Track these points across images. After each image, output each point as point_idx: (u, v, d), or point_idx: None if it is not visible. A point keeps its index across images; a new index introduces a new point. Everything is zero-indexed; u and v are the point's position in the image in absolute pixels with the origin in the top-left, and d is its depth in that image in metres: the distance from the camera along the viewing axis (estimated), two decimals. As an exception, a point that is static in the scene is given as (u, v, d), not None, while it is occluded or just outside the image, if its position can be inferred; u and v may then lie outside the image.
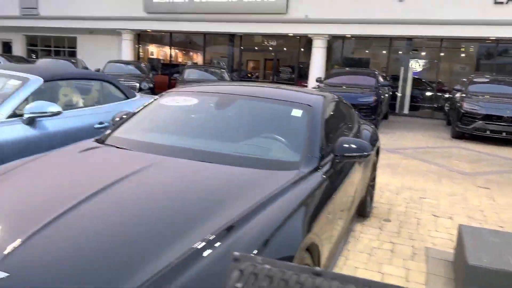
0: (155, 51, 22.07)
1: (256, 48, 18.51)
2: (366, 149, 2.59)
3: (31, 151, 3.48)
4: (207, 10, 15.65)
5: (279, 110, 2.87)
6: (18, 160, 2.39)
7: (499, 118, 9.11)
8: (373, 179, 4.40)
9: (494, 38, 13.41)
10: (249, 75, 19.43)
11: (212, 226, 1.64)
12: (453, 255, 3.39)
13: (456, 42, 15.35)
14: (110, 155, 2.42)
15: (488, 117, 9.20)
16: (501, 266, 2.62)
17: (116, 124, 2.98)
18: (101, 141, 2.74)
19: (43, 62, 15.36)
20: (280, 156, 2.48)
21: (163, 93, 3.24)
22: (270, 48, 17.92)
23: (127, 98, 4.90)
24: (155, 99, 3.22)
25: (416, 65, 16.00)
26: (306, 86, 14.06)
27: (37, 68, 4.14)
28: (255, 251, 1.56)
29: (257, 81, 18.47)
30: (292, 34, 15.85)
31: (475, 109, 9.37)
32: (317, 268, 1.00)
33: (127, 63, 15.43)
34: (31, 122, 3.51)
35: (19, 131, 3.40)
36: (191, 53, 22.10)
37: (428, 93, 16.06)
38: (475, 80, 10.84)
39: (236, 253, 1.04)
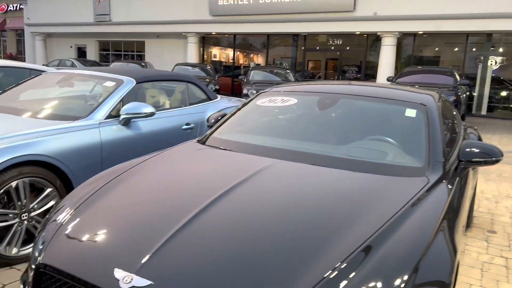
0: (218, 53, 22.44)
1: (320, 47, 18.14)
2: (496, 153, 2.30)
3: (126, 151, 3.54)
4: (271, 11, 15.58)
5: (389, 110, 2.65)
6: (126, 162, 2.37)
7: None
8: (474, 186, 4.02)
9: None
10: (311, 75, 19.11)
11: (350, 243, 1.47)
12: None
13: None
14: (221, 157, 2.33)
15: None
16: None
17: (215, 126, 2.92)
18: (203, 142, 2.68)
19: (116, 66, 16.14)
20: (400, 161, 2.26)
21: (258, 94, 3.14)
22: (335, 48, 17.49)
23: (210, 99, 4.89)
24: (250, 100, 3.13)
25: (494, 63, 14.84)
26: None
27: (129, 70, 4.22)
28: (405, 277, 1.35)
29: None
30: (359, 32, 15.34)
31: None
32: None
33: (193, 65, 15.77)
34: (126, 122, 3.56)
35: (116, 131, 3.46)
36: (251, 55, 22.22)
37: (508, 93, 14.84)
38: None
39: None
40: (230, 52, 21.67)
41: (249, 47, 21.41)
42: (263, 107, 2.98)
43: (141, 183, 1.96)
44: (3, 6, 29.69)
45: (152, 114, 3.58)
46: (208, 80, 13.57)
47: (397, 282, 1.32)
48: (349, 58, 17.60)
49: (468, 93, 12.62)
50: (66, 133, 3.10)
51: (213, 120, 3.17)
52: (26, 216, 2.81)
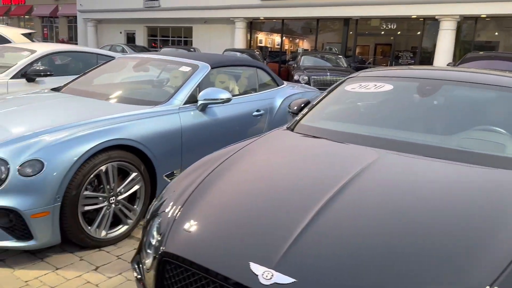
0: (263, 38, 22.24)
1: (372, 32, 17.51)
2: None
3: (203, 137, 3.51)
4: (322, -5, 15.18)
5: (500, 98, 2.43)
6: (219, 152, 2.29)
7: None
8: None
9: None
10: (359, 61, 18.54)
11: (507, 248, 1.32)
12: None
13: None
14: (323, 147, 2.22)
15: None
16: None
17: (301, 112, 2.81)
18: (292, 129, 2.58)
19: (165, 51, 16.35)
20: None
21: (347, 78, 2.99)
22: (388, 32, 16.82)
23: (277, 85, 4.78)
24: (337, 85, 2.98)
25: None
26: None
27: (203, 55, 4.18)
28: None
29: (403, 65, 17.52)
30: (415, 16, 14.65)
31: None
32: None
33: (242, 51, 15.68)
34: (203, 108, 3.52)
35: (193, 117, 3.43)
36: (297, 40, 21.86)
37: None
38: None
39: None
40: (276, 37, 21.42)
41: (296, 32, 21.06)
42: (353, 93, 2.83)
43: (248, 173, 1.89)
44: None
45: (228, 100, 3.52)
46: (257, 65, 13.44)
47: None
48: (404, 43, 16.89)
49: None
50: (149, 118, 3.10)
51: (295, 107, 3.06)
52: (113, 199, 2.84)
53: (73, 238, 2.65)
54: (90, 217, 2.78)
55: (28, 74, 4.89)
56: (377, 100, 2.73)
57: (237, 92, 4.30)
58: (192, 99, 3.51)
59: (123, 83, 4.16)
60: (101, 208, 2.78)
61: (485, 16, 13.67)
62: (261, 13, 17.60)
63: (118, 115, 2.98)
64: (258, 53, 15.43)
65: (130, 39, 24.71)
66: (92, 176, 2.65)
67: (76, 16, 26.41)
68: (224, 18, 18.74)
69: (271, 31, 21.05)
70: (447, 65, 10.96)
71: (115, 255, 2.73)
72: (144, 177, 3.03)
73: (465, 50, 14.43)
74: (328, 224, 1.42)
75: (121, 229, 2.94)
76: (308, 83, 11.07)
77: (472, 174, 1.84)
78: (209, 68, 3.80)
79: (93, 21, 24.64)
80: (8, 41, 8.27)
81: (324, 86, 10.77)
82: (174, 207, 1.71)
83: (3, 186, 2.38)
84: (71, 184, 2.54)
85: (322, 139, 2.32)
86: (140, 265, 1.71)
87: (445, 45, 13.59)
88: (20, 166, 2.41)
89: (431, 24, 14.90)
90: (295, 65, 13.29)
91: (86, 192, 2.65)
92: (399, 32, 16.90)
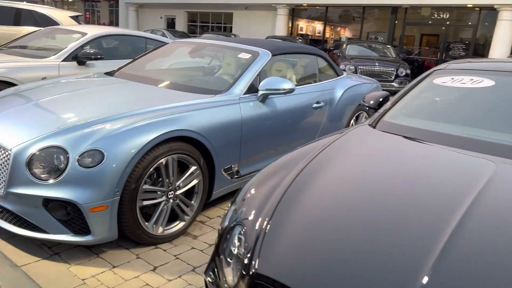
0: (304, 26, 21.69)
1: (422, 21, 16.63)
2: None
3: (262, 130, 3.26)
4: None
5: None
6: (294, 153, 2.03)
7: None
8: None
9: None
10: (405, 51, 17.71)
11: None
12: None
13: None
14: (423, 150, 1.92)
15: None
16: None
17: (383, 108, 2.50)
18: (373, 127, 2.29)
19: (206, 37, 16.20)
20: None
21: (433, 71, 2.65)
22: (439, 22, 15.94)
23: (337, 75, 4.46)
24: (422, 79, 2.65)
25: None
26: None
27: (262, 41, 3.91)
28: None
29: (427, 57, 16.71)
30: (471, 5, 13.76)
31: None
32: None
33: (284, 38, 15.31)
34: (264, 99, 3.27)
35: (253, 108, 3.19)
36: (338, 28, 21.18)
37: None
38: None
39: None
40: (317, 25, 20.84)
41: (339, 20, 20.37)
42: (444, 88, 2.49)
43: (343, 181, 1.62)
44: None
45: (291, 91, 3.24)
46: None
47: None
48: (454, 34, 15.95)
49: None
50: (210, 108, 2.88)
51: (372, 101, 2.75)
52: (172, 194, 2.65)
53: (130, 235, 2.48)
54: (147, 212, 2.61)
55: (79, 57, 4.79)
56: (475, 97, 2.37)
57: (295, 82, 4.02)
58: (251, 89, 3.27)
59: (179, 69, 3.96)
60: (159, 203, 2.60)
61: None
62: (305, 0, 17.08)
63: (179, 104, 2.77)
64: (300, 41, 15.01)
65: (170, 24, 24.73)
66: (151, 169, 2.46)
67: (118, 1, 26.68)
68: (266, 4, 18.35)
69: (313, 19, 20.47)
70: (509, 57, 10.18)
71: (172, 254, 2.54)
72: (203, 171, 2.82)
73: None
74: (471, 249, 1.14)
75: (178, 225, 2.75)
76: (354, 73, 10.62)
77: None
78: (270, 55, 3.54)
79: (135, 6, 24.79)
80: (56, 23, 8.30)
81: (371, 77, 10.29)
82: (260, 218, 1.48)
83: (61, 177, 2.22)
84: (131, 177, 2.36)
85: (419, 141, 2.02)
86: (217, 273, 1.50)
87: (504, 37, 12.71)
88: (79, 156, 2.24)
89: (487, 13, 13.96)
90: (340, 54, 12.80)
91: (145, 186, 2.47)
92: (448, 22, 15.98)
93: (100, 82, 3.30)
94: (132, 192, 2.38)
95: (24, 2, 8.11)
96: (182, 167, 2.73)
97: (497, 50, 12.60)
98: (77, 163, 2.23)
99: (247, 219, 1.53)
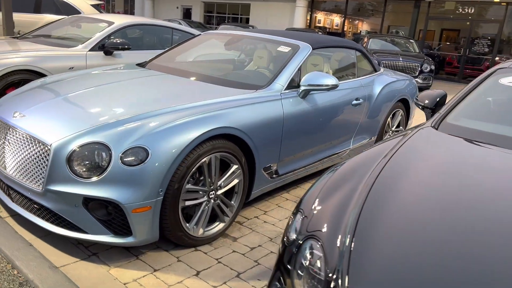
0: (322, 19, 21.36)
1: (445, 16, 16.20)
2: None
3: (302, 128, 3.11)
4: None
5: None
6: (355, 159, 1.89)
7: None
8: None
9: None
10: (428, 46, 17.31)
11: None
12: None
13: None
14: (499, 157, 1.75)
15: None
16: None
17: (444, 109, 2.33)
18: (436, 128, 2.13)
19: (224, 28, 16.01)
20: None
21: (496, 69, 2.46)
22: (462, 17, 15.51)
23: (375, 71, 4.28)
24: (484, 78, 2.46)
25: None
26: None
27: (298, 34, 3.74)
28: None
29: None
30: (497, 0, 13.33)
31: None
32: None
33: (302, 31, 15.06)
34: (305, 95, 3.11)
35: (294, 104, 3.03)
36: (356, 21, 20.80)
37: None
38: None
39: None
40: (335, 17, 20.52)
41: (359, 13, 19.98)
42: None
43: (427, 192, 1.47)
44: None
45: (335, 87, 3.07)
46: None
47: None
48: (481, 30, 15.49)
49: None
50: (252, 105, 2.73)
51: (427, 101, 2.58)
52: (213, 194, 2.52)
53: (171, 236, 2.36)
54: (187, 213, 2.49)
55: (106, 47, 4.67)
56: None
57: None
58: (290, 84, 3.11)
59: (215, 61, 3.82)
60: (201, 203, 2.47)
61: None
62: (325, -8, 16.77)
63: (221, 100, 2.63)
64: (320, 33, 14.74)
65: (186, 14, 24.55)
66: (195, 168, 2.33)
67: (134, -10, 26.57)
68: (285, -5, 18.08)
69: (332, 11, 20.13)
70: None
71: (214, 257, 2.42)
72: (244, 170, 2.68)
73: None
74: None
75: (217, 226, 2.62)
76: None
77: None
78: (311, 49, 3.37)
79: (151, -5, 24.67)
80: (78, 12, 8.20)
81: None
82: (340, 233, 1.33)
83: (104, 175, 2.10)
84: (174, 176, 2.24)
85: (490, 147, 1.85)
86: (284, 285, 1.38)
87: (531, 33, 12.29)
88: (122, 153, 2.12)
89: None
90: (361, 48, 12.50)
91: (188, 186, 2.34)
92: (470, 17, 15.53)
93: (134, 74, 3.17)
94: (175, 192, 2.25)
95: (46, -11, 8.00)
96: (222, 166, 2.59)
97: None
98: (120, 161, 2.10)
99: (321, 231, 1.39)
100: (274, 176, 3.01)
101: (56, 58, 4.33)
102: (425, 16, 15.82)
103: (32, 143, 2.25)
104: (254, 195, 2.92)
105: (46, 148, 2.18)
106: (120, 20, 5.10)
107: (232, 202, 2.69)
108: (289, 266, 1.42)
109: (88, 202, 2.14)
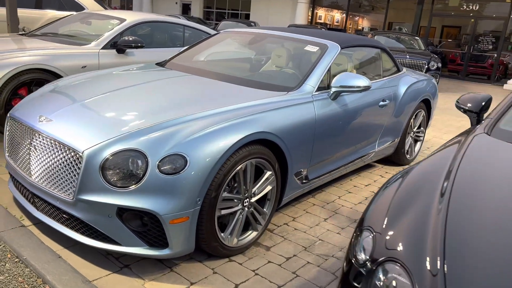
0: (323, 15, 21.21)
1: (449, 13, 16.09)
2: None
3: (333, 131, 3.00)
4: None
5: None
6: (426, 165, 1.78)
7: None
8: None
9: None
10: (431, 43, 17.22)
11: None
12: None
13: None
14: None
15: None
16: None
17: (495, 114, 2.23)
18: (489, 134, 2.03)
19: (225, 25, 15.81)
20: None
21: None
22: (466, 14, 15.42)
23: (399, 71, 4.17)
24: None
25: None
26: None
27: (326, 33, 3.62)
28: None
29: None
30: (504, -3, 13.26)
31: None
32: None
33: (306, 27, 14.91)
34: (336, 96, 3.00)
35: (326, 106, 2.92)
36: (357, 18, 20.69)
37: None
38: None
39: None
40: (336, 14, 20.39)
41: (361, 10, 19.84)
42: None
43: (507, 210, 1.37)
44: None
45: (367, 88, 2.95)
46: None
47: None
48: (485, 27, 15.41)
49: None
50: (285, 108, 2.61)
51: (470, 104, 2.47)
52: (247, 202, 2.41)
53: (206, 247, 2.25)
54: (222, 222, 2.37)
55: (118, 45, 4.53)
56: None
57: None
58: (323, 85, 3.00)
59: (239, 61, 3.69)
60: (235, 212, 2.36)
61: None
62: (327, -12, 16.62)
63: (254, 103, 2.51)
64: (323, 30, 14.60)
65: (185, 10, 24.29)
66: (231, 175, 2.22)
67: (132, -15, 26.24)
68: (286, -9, 17.90)
69: (334, 7, 19.99)
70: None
71: (250, 269, 2.31)
72: (277, 176, 2.57)
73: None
74: None
75: (250, 235, 2.51)
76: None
77: None
78: (339, 48, 3.25)
79: (150, -10, 24.37)
80: (82, 7, 8.03)
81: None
82: (428, 256, 1.22)
83: (140, 184, 1.98)
84: (212, 184, 2.12)
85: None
86: None
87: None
88: (159, 161, 1.99)
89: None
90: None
91: (224, 194, 2.22)
92: (473, 14, 15.44)
93: (157, 75, 3.04)
94: (213, 200, 2.14)
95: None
96: (255, 173, 2.48)
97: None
98: (157, 169, 1.98)
99: (401, 252, 1.28)
100: (304, 181, 2.90)
101: (68, 57, 4.18)
102: (429, 13, 15.71)
103: (61, 150, 2.12)
104: (285, 201, 2.82)
105: (77, 155, 2.06)
106: (132, 17, 4.95)
107: (265, 209, 2.58)
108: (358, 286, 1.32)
109: (122, 212, 2.03)
